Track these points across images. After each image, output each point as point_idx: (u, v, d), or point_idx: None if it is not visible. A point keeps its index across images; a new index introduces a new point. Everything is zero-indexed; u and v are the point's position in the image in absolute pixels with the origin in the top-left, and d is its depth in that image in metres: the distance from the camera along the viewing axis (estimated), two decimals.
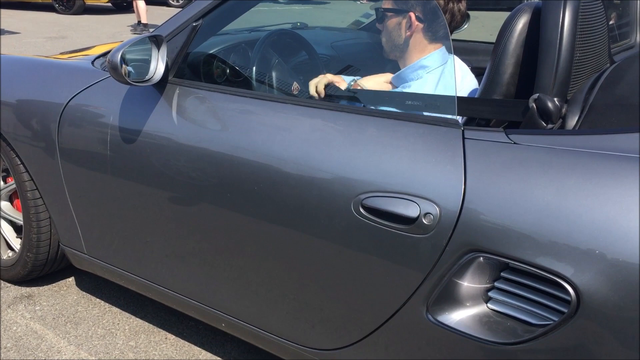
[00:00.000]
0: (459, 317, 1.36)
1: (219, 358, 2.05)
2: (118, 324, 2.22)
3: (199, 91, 1.79)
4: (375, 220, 1.40)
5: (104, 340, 2.12)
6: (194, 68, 1.97)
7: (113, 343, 2.10)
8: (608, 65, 1.68)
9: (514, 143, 1.31)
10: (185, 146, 1.72)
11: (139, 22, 9.65)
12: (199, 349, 2.10)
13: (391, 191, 1.39)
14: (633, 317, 1.11)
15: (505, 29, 1.53)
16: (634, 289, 1.11)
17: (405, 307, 1.41)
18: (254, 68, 2.02)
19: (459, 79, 1.87)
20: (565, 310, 1.19)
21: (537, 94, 1.42)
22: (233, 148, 1.64)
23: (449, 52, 1.86)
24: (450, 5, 1.84)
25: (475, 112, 1.55)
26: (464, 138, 1.36)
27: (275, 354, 1.77)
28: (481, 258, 1.29)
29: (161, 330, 2.19)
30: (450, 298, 1.36)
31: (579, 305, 1.16)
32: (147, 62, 1.79)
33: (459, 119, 1.59)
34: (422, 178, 1.37)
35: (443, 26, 1.82)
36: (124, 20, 11.25)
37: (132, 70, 1.79)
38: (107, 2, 12.58)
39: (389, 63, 2.02)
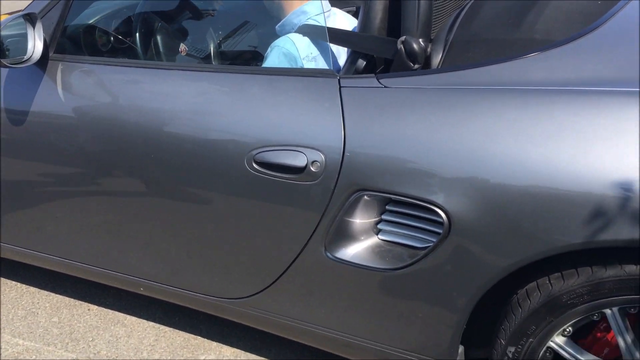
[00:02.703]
0: (354, 251, 1.49)
1: (143, 320, 2.13)
2: (38, 302, 2.24)
3: (83, 65, 1.78)
4: (268, 173, 1.49)
5: (25, 320, 2.14)
6: (75, 41, 1.95)
7: (35, 322, 2.13)
8: (467, 1, 1.80)
9: (385, 87, 1.42)
10: (76, 121, 1.73)
11: None
12: (123, 314, 2.17)
13: (279, 144, 1.48)
14: (493, 228, 1.28)
15: None
16: (492, 206, 1.27)
17: (306, 249, 1.53)
18: (137, 35, 2.02)
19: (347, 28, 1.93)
20: (440, 231, 1.34)
21: (404, 36, 1.53)
22: (124, 119, 1.67)
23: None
24: None
25: (348, 44, 1.65)
26: (340, 87, 1.46)
27: (195, 308, 1.87)
28: (366, 196, 1.42)
29: (83, 302, 2.23)
30: (344, 235, 1.48)
31: (451, 226, 1.31)
32: (25, 41, 1.76)
33: (337, 66, 1.68)
34: (306, 129, 1.46)
35: None
36: None
37: (10, 51, 1.75)
38: None
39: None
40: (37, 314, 2.18)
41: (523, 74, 1.34)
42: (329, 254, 1.50)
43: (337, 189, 1.43)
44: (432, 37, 1.58)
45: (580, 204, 1.19)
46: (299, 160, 1.45)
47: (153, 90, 1.66)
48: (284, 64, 1.71)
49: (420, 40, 1.53)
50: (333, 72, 1.50)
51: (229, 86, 1.59)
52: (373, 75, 1.47)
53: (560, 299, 1.28)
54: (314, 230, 1.49)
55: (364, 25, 1.64)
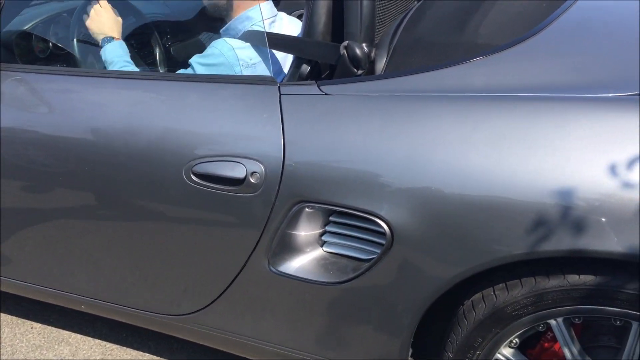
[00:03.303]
0: (298, 264, 1.44)
1: (89, 338, 2.05)
2: None
3: (15, 73, 1.70)
4: (207, 185, 1.43)
5: None
6: (8, 48, 1.86)
7: None
8: (415, 3, 1.77)
9: (325, 94, 1.38)
10: (7, 132, 1.64)
11: None
12: (68, 332, 2.08)
13: (218, 155, 1.42)
14: (435, 239, 1.24)
15: None
16: (434, 216, 1.23)
17: (249, 263, 1.47)
18: (75, 40, 1.94)
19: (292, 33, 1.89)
20: (384, 242, 1.30)
21: (347, 42, 1.48)
22: (58, 130, 1.59)
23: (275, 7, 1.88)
24: None
25: (291, 50, 1.60)
26: (280, 94, 1.41)
27: (140, 325, 1.79)
28: (308, 207, 1.37)
29: (26, 320, 2.14)
30: (288, 248, 1.43)
31: (393, 237, 1.27)
32: None
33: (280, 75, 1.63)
34: (245, 138, 1.41)
35: None
36: None
37: None
38: None
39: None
40: None
41: (465, 79, 1.30)
42: (272, 268, 1.44)
43: (277, 201, 1.38)
44: (376, 42, 1.54)
45: (521, 213, 1.16)
46: (238, 172, 1.40)
47: (86, 99, 1.58)
48: (220, 70, 1.65)
49: (364, 45, 1.49)
50: (273, 80, 1.44)
51: (165, 94, 1.52)
52: (314, 82, 1.42)
53: (505, 310, 1.25)
54: (257, 244, 1.44)
55: (308, 30, 1.58)
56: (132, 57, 2.07)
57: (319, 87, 1.39)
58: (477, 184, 1.19)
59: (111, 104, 1.55)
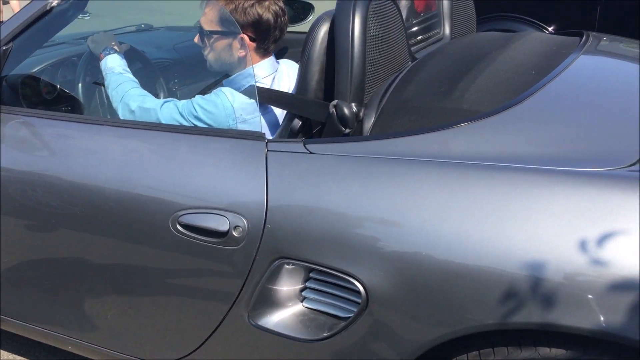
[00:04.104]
0: (278, 318, 1.45)
1: None
2: None
3: (17, 117, 1.75)
4: (191, 236, 1.45)
5: None
6: (14, 91, 1.92)
7: None
8: (409, 63, 1.81)
9: (310, 153, 1.40)
10: (5, 172, 1.69)
11: None
12: None
13: (203, 207, 1.45)
14: (410, 303, 1.24)
15: (309, 38, 1.61)
16: (408, 280, 1.23)
17: (229, 316, 1.48)
18: (80, 86, 2.00)
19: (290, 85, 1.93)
20: (360, 301, 1.30)
21: (336, 100, 1.52)
22: (53, 174, 1.63)
23: (277, 60, 1.93)
24: (279, 20, 1.85)
25: (283, 106, 1.66)
26: (267, 150, 1.44)
27: None
28: (287, 264, 1.38)
29: (17, 356, 2.16)
30: (267, 302, 1.44)
31: (368, 298, 1.28)
32: None
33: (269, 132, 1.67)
34: (230, 192, 1.43)
35: (273, 41, 1.87)
36: None
37: None
38: None
39: None
40: None
41: (446, 145, 1.32)
42: (252, 321, 1.45)
43: (258, 256, 1.39)
44: (366, 101, 1.57)
45: (494, 283, 1.16)
46: (221, 225, 1.42)
47: (82, 145, 1.63)
48: (214, 118, 1.69)
49: (353, 104, 1.52)
50: (262, 135, 1.47)
51: (157, 144, 1.56)
52: (301, 140, 1.45)
53: None
54: (237, 297, 1.45)
55: (300, 86, 1.63)
56: None
57: (304, 145, 1.42)
58: (451, 250, 1.20)
59: (106, 151, 1.59)
